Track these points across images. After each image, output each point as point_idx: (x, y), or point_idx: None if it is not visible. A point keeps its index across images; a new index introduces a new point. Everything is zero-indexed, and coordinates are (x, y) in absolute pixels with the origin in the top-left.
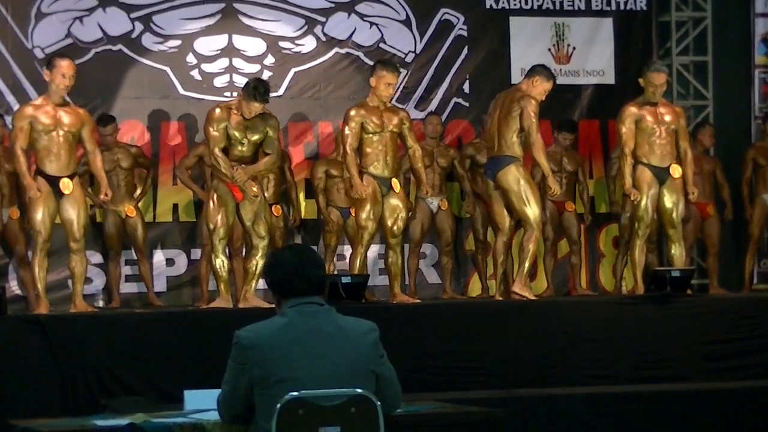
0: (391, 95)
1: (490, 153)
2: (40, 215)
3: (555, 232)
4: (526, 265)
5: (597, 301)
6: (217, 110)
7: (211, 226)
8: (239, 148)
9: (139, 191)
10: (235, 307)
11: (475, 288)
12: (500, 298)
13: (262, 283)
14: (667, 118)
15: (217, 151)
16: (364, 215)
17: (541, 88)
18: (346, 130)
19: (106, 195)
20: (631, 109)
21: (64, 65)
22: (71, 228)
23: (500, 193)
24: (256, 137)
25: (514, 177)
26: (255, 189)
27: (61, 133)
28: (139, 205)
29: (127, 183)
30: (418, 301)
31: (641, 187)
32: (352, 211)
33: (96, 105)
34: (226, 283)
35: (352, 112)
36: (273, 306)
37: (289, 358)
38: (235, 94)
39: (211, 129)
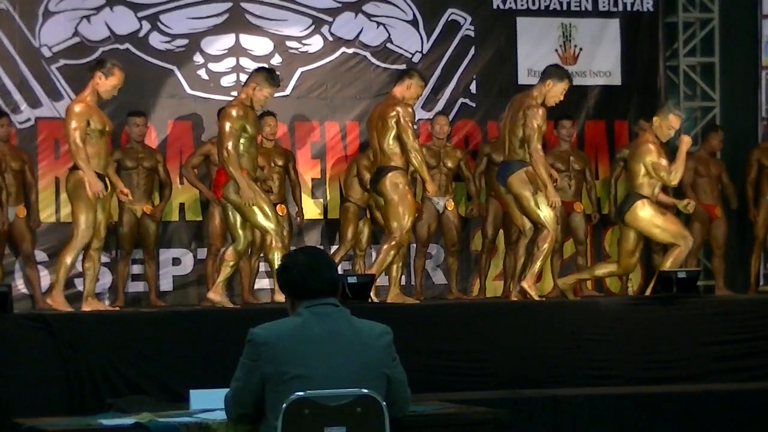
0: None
1: (502, 157)
2: (101, 215)
3: (562, 233)
4: (538, 263)
5: (603, 302)
6: (235, 110)
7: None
8: (255, 145)
9: (158, 202)
10: (240, 306)
11: (481, 288)
12: (515, 299)
13: (267, 283)
14: (668, 162)
15: (230, 147)
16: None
17: (555, 90)
18: (411, 132)
19: (126, 195)
20: (653, 147)
21: (121, 79)
22: (99, 227)
23: (512, 197)
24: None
25: (524, 182)
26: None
27: (105, 133)
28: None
29: (147, 183)
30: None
31: (661, 212)
32: (368, 213)
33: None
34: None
35: (409, 111)
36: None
37: (303, 357)
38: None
39: (228, 125)
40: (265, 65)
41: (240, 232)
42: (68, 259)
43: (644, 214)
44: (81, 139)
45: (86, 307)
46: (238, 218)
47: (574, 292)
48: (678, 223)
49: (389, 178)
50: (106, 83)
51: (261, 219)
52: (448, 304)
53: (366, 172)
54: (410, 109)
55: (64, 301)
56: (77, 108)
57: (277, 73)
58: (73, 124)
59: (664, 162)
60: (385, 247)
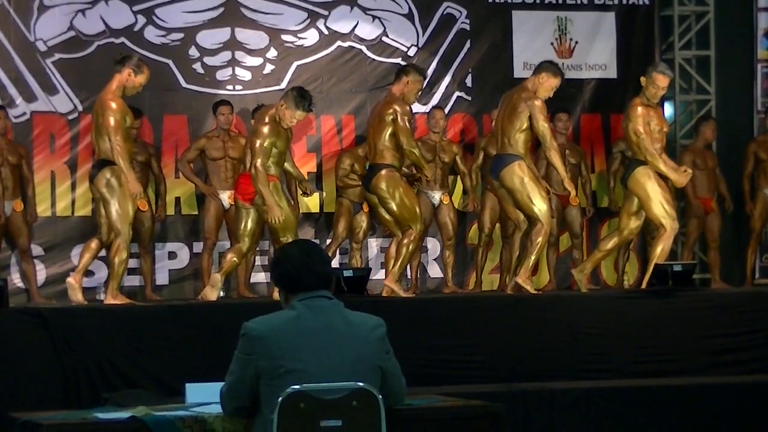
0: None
1: (495, 151)
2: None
3: (558, 226)
4: (532, 258)
5: (599, 295)
6: (266, 128)
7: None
8: (285, 158)
9: (152, 198)
10: (236, 299)
11: (477, 282)
12: (511, 292)
13: (263, 277)
14: (661, 122)
15: (259, 165)
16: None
17: (547, 84)
18: (408, 131)
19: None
20: (641, 110)
21: (148, 76)
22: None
23: (505, 191)
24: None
25: (517, 176)
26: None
27: (131, 127)
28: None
29: (141, 177)
30: None
31: (661, 186)
32: (364, 206)
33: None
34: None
35: (407, 110)
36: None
37: (297, 350)
38: (237, 87)
39: (258, 142)
40: (302, 86)
41: (247, 239)
42: (123, 255)
43: (646, 180)
44: (123, 138)
45: (72, 283)
46: (249, 224)
47: (570, 286)
48: (672, 204)
49: (380, 177)
50: (136, 80)
51: (282, 230)
52: (444, 297)
53: (341, 173)
54: (408, 107)
55: (123, 297)
56: (115, 105)
57: (310, 97)
58: (113, 122)
59: (644, 129)
60: (405, 241)
